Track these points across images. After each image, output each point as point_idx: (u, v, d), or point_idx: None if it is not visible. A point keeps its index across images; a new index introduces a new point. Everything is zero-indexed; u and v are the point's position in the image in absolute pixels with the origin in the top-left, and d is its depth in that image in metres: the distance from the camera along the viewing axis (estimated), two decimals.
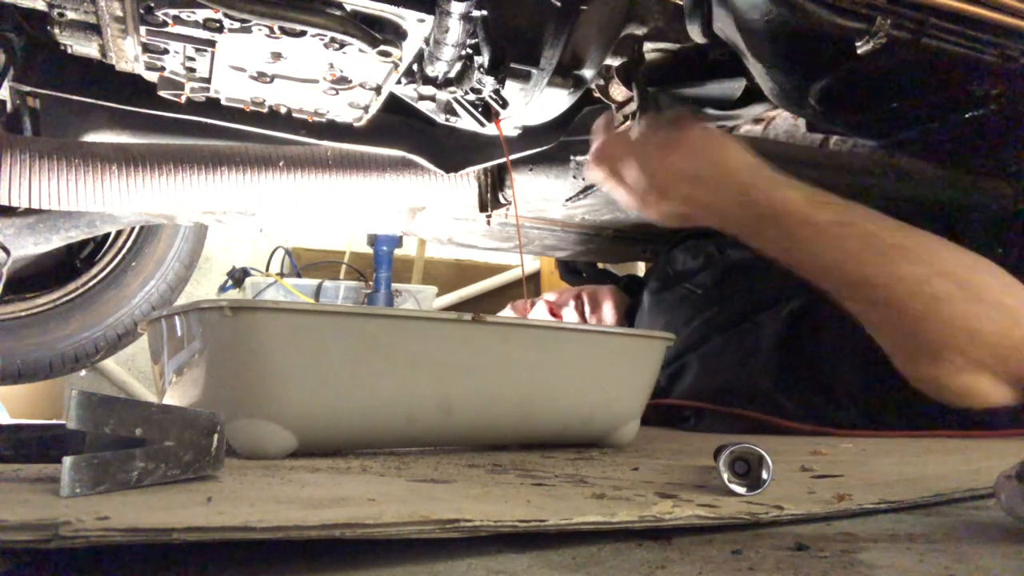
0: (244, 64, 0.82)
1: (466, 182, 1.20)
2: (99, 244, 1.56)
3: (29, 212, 1.17)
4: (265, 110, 0.93)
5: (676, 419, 1.16)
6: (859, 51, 0.78)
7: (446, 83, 0.86)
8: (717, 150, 0.90)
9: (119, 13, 0.75)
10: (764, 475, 0.45)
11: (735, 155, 0.90)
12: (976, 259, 0.81)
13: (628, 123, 0.99)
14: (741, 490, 0.45)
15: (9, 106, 1.08)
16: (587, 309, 1.49)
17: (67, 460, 0.37)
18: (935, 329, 0.79)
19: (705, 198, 0.90)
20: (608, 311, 1.46)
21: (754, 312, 1.14)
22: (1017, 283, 0.80)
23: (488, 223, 1.27)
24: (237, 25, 0.74)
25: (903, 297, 0.80)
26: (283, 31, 0.74)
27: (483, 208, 1.22)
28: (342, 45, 0.76)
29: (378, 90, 0.88)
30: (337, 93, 0.88)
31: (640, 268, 2.38)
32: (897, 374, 0.86)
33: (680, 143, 0.90)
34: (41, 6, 0.78)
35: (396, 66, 0.81)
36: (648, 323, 1.37)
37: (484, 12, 0.76)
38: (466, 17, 0.74)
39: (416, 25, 0.75)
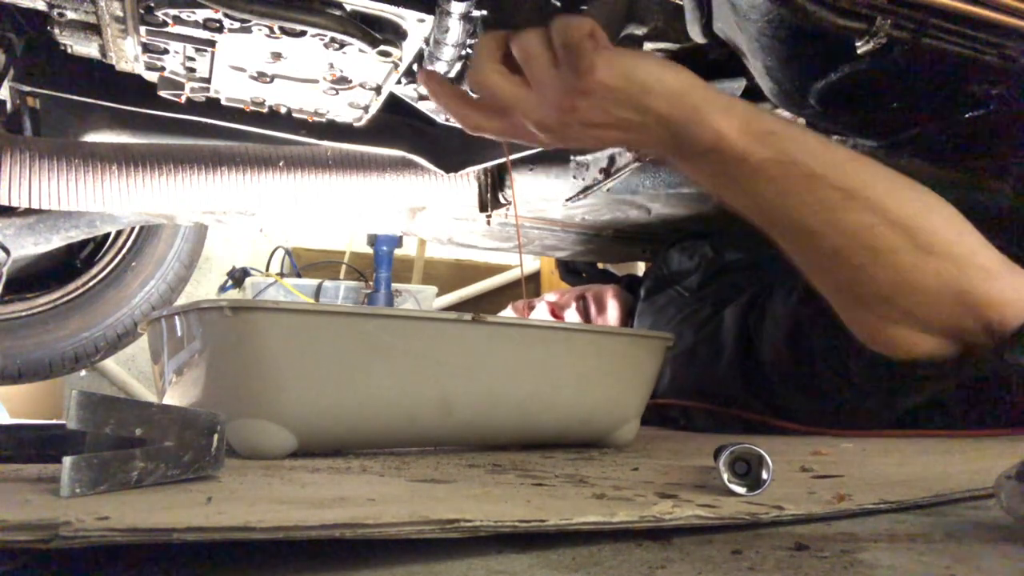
0: (244, 64, 0.82)
1: (466, 182, 1.20)
2: (99, 244, 1.56)
3: (29, 212, 1.17)
4: (265, 110, 0.93)
5: (665, 420, 1.16)
6: (859, 51, 0.78)
7: None
8: (633, 85, 0.71)
9: (119, 13, 0.75)
10: (764, 475, 0.45)
11: (656, 86, 0.71)
12: (930, 199, 0.75)
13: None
14: (741, 490, 0.45)
15: (9, 106, 1.08)
16: (592, 310, 1.47)
17: (67, 460, 0.37)
18: (874, 282, 0.74)
19: (626, 138, 0.75)
20: (613, 311, 1.45)
21: (722, 307, 1.12)
22: (970, 229, 0.75)
23: (488, 223, 1.27)
24: (237, 25, 0.74)
25: (843, 248, 0.74)
26: (283, 31, 0.74)
27: (483, 208, 1.22)
28: (342, 45, 0.76)
29: (378, 90, 0.88)
30: (337, 93, 0.88)
31: (640, 268, 2.38)
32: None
33: (585, 87, 0.69)
34: (41, 6, 0.78)
35: (396, 66, 0.81)
36: (638, 324, 1.37)
37: (484, 12, 0.76)
38: (466, 17, 0.74)
39: (416, 25, 0.75)
